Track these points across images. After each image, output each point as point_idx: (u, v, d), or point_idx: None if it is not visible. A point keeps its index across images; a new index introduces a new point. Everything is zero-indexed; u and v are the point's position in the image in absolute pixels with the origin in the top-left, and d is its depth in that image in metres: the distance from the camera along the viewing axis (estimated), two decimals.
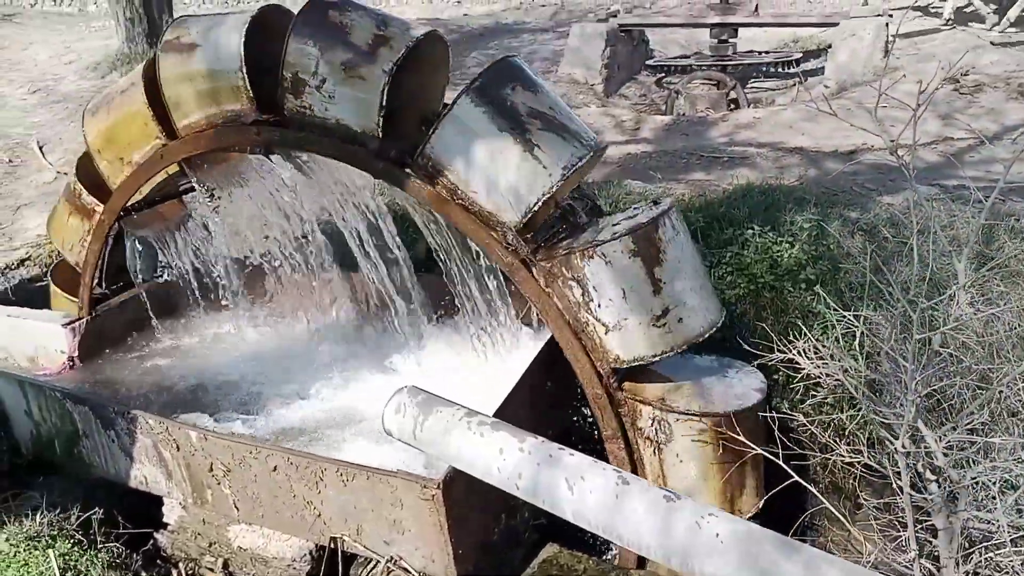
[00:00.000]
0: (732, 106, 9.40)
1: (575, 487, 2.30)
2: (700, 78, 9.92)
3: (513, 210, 2.84)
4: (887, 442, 2.68)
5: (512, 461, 2.42)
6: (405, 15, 14.65)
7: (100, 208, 3.84)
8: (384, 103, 2.91)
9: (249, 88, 3.15)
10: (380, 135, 2.98)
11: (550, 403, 3.61)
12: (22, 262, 5.31)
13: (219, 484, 3.36)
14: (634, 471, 2.89)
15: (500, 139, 2.83)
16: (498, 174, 2.82)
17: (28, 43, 13.44)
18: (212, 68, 3.19)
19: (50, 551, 3.32)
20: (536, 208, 2.83)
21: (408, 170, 3.00)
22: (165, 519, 3.76)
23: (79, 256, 4.04)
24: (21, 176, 6.85)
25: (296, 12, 3.08)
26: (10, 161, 7.21)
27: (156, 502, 3.75)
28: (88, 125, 3.71)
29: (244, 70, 3.12)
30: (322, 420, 3.64)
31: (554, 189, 2.83)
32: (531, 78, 3.01)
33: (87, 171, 3.87)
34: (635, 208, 3.06)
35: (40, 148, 7.37)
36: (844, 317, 2.90)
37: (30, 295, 5.00)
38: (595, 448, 3.17)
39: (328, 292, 4.12)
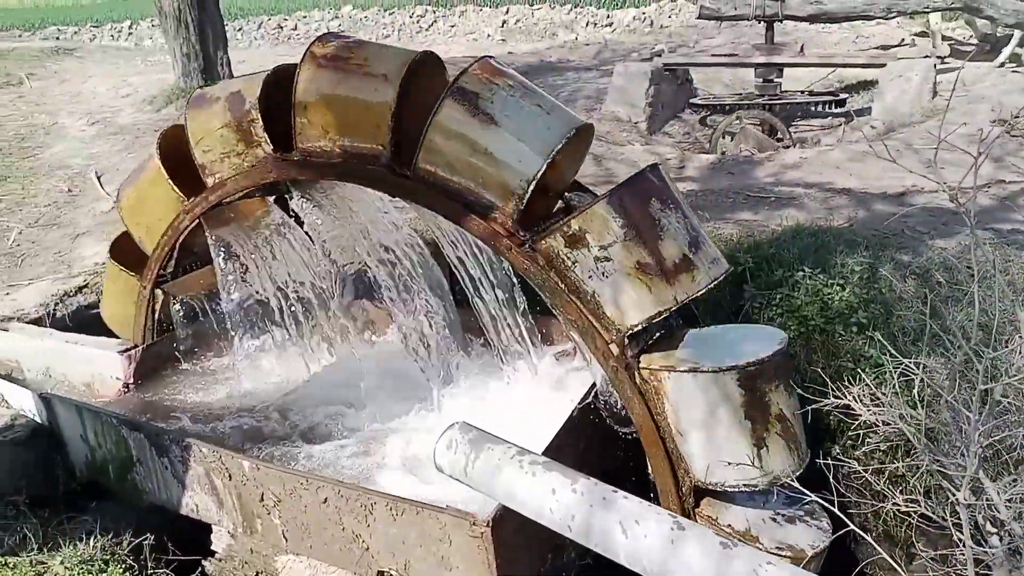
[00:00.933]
0: (778, 145, 9.38)
1: (629, 531, 2.29)
2: (745, 117, 9.92)
3: None
4: (946, 492, 2.63)
5: (565, 502, 2.41)
6: (451, 53, 14.94)
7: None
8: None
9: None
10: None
11: (596, 441, 3.59)
12: (80, 289, 5.45)
13: (269, 514, 3.40)
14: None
15: None
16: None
17: (88, 76, 13.90)
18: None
19: (104, 575, 3.38)
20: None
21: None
22: (213, 547, 3.80)
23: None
24: (80, 205, 7.06)
25: None
26: (69, 190, 7.44)
27: (205, 529, 3.80)
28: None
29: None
30: (377, 452, 3.68)
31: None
32: None
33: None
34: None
35: (98, 178, 7.59)
36: (901, 363, 2.87)
37: (87, 321, 5.13)
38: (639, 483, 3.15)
39: (395, 323, 4.16)
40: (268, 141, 3.46)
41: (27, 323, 5.03)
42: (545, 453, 2.86)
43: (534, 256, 2.93)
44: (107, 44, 23.18)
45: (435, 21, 22.22)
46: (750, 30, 14.35)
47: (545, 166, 2.92)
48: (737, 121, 9.85)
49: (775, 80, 10.41)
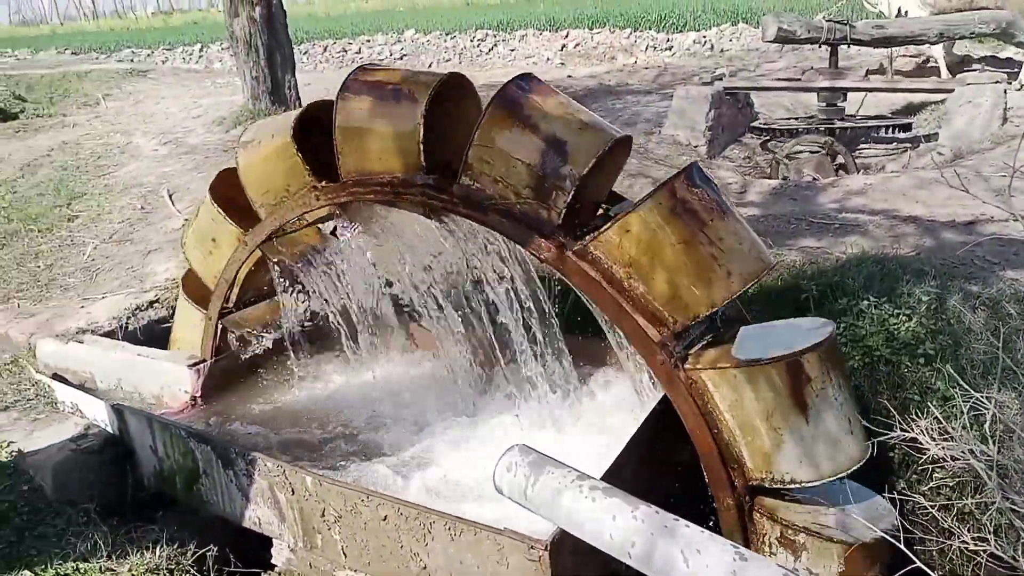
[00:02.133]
0: (839, 171, 9.24)
1: (691, 560, 2.28)
2: (807, 142, 9.80)
3: None
4: (1018, 531, 2.56)
5: (625, 528, 2.41)
6: (510, 76, 15.04)
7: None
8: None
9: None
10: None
11: (656, 468, 3.58)
12: (151, 304, 5.65)
13: (329, 529, 3.46)
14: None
15: None
16: None
17: (160, 97, 14.44)
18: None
19: None
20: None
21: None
22: (273, 561, 3.87)
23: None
24: (152, 222, 7.31)
25: None
26: (143, 208, 7.71)
27: (266, 543, 3.88)
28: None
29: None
30: (438, 471, 3.72)
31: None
32: None
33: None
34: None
35: (170, 196, 7.86)
36: (970, 397, 2.81)
37: (157, 335, 5.31)
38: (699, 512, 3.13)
39: (464, 345, 4.24)
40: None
41: (100, 336, 5.22)
42: (602, 478, 2.87)
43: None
44: (178, 66, 24.01)
45: (495, 45, 22.46)
46: (812, 54, 14.20)
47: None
48: (800, 146, 9.74)
49: (839, 104, 10.27)
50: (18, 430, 4.35)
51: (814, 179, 8.51)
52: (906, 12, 12.09)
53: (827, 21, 10.09)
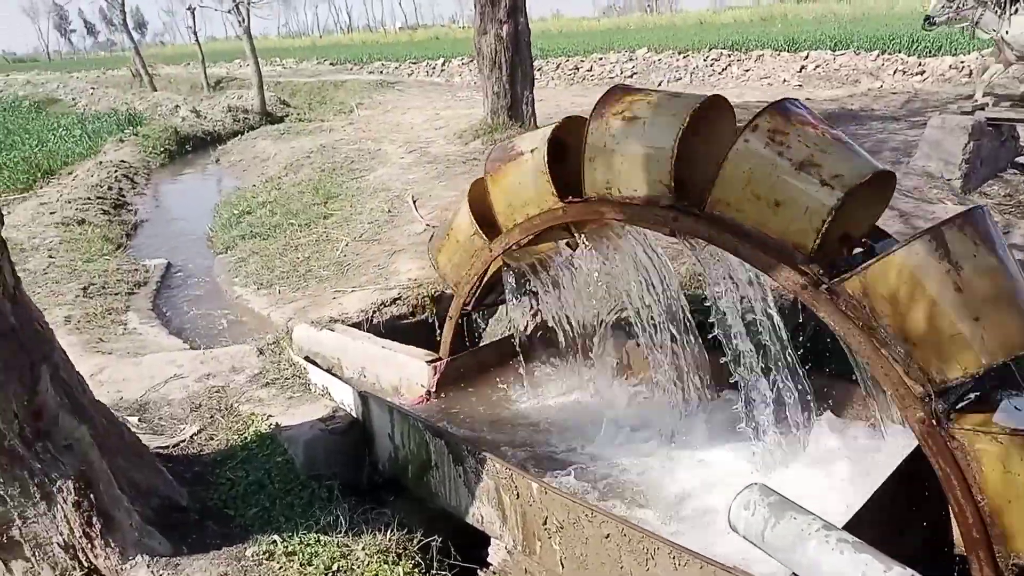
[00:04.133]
0: None
1: None
2: None
3: None
4: None
5: None
6: (744, 98, 14.67)
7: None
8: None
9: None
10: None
11: (900, 524, 3.34)
12: (394, 301, 6.06)
13: (550, 538, 3.52)
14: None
15: None
16: None
17: (407, 108, 15.50)
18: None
19: (397, 567, 3.69)
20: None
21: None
22: (489, 559, 4.00)
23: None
24: (397, 225, 7.84)
25: None
26: (389, 211, 8.30)
27: (484, 541, 4.02)
28: None
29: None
30: (661, 496, 3.70)
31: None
32: None
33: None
34: None
35: (414, 202, 8.39)
36: None
37: (398, 330, 5.69)
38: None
39: (695, 369, 4.21)
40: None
41: (349, 326, 5.68)
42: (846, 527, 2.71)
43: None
44: (423, 79, 25.62)
45: (729, 65, 21.99)
46: None
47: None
48: None
49: None
50: (277, 405, 4.82)
51: None
52: None
53: None
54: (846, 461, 3.72)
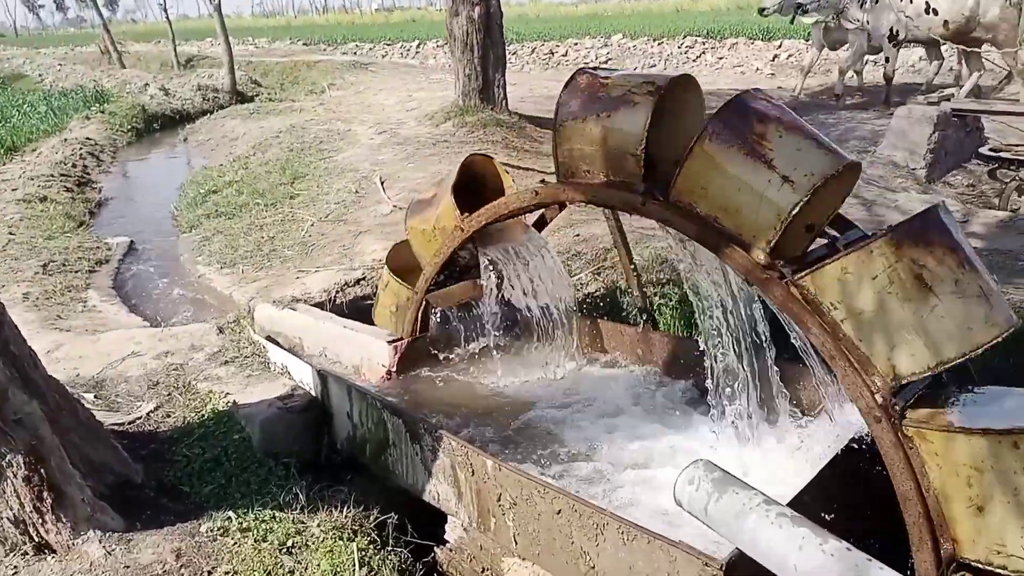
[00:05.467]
0: None
1: None
2: None
3: None
4: None
5: (813, 561, 2.31)
6: (716, 85, 14.73)
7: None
8: None
9: None
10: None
11: (843, 509, 3.39)
12: (357, 281, 6.04)
13: (503, 515, 3.55)
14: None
15: None
16: None
17: (379, 89, 15.37)
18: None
19: (352, 543, 3.70)
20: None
21: None
22: (446, 537, 4.03)
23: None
24: (364, 206, 7.81)
25: None
26: (357, 192, 8.25)
27: (440, 518, 4.05)
28: None
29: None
30: (619, 474, 3.74)
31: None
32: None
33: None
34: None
35: (382, 183, 8.35)
36: None
37: (360, 310, 5.67)
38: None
39: (653, 350, 4.24)
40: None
41: (311, 305, 5.66)
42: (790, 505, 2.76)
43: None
44: (397, 61, 25.43)
45: (703, 52, 22.06)
46: None
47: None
48: None
49: None
50: (235, 383, 4.80)
51: None
52: None
53: None
54: (799, 444, 3.79)
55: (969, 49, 12.43)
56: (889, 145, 9.73)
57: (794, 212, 2.86)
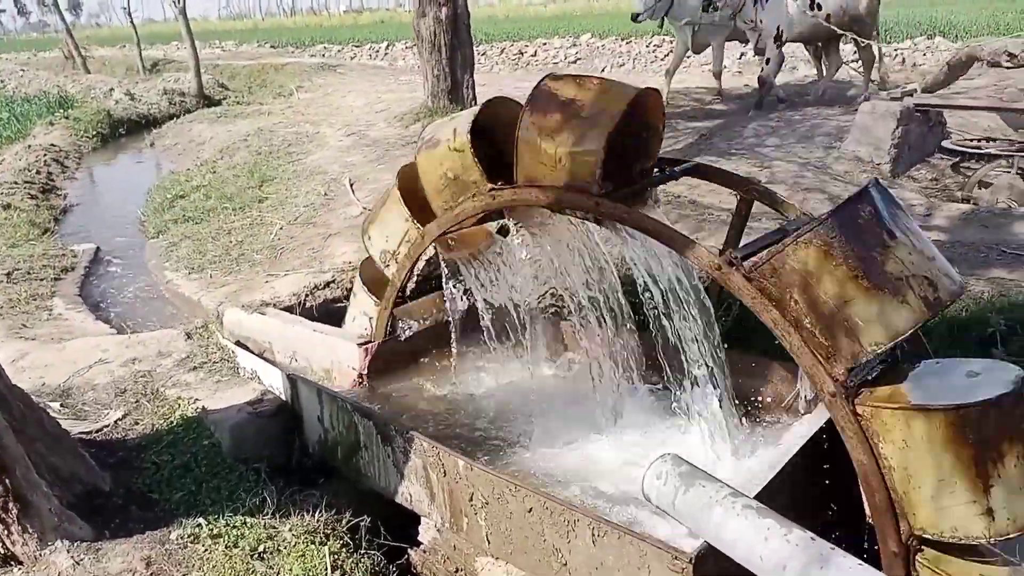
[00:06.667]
0: None
1: None
2: (1006, 166, 9.06)
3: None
4: None
5: (777, 551, 2.34)
6: (684, 83, 14.81)
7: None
8: None
9: None
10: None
11: (810, 499, 3.44)
12: (327, 284, 6.01)
13: (476, 515, 3.56)
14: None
15: None
16: None
17: (347, 91, 15.30)
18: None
19: (324, 547, 3.68)
20: None
21: None
22: (420, 538, 4.03)
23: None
24: (333, 208, 7.77)
25: None
26: (326, 194, 8.21)
27: (414, 520, 4.05)
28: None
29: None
30: (590, 470, 3.76)
31: None
32: None
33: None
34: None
35: (351, 185, 8.32)
36: None
37: (331, 313, 5.65)
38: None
39: (622, 348, 4.26)
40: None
41: (281, 309, 5.62)
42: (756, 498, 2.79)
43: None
44: (365, 63, 25.30)
45: (671, 52, 22.17)
46: (1017, 73, 13.09)
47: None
48: (997, 170, 9.01)
49: None
50: (204, 389, 4.76)
51: (1009, 207, 7.86)
52: None
53: None
54: (766, 436, 3.84)
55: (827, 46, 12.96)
56: (854, 140, 9.84)
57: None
